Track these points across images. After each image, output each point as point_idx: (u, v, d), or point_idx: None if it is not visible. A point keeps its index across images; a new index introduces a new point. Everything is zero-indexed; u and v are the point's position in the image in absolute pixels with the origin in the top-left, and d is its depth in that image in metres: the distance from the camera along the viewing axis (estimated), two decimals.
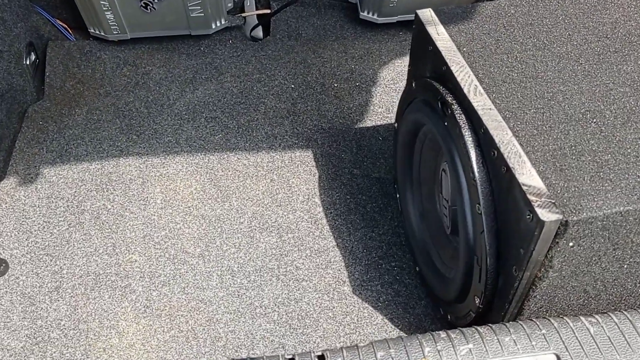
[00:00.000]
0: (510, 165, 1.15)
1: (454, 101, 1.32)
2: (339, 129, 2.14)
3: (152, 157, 2.04)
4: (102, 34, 2.36)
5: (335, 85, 2.29)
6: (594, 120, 1.24)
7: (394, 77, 2.33)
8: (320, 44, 2.44)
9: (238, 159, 2.04)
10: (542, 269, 1.17)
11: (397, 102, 2.24)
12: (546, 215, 1.06)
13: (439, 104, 1.36)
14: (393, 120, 2.17)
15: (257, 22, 2.50)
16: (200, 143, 2.09)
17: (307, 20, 2.53)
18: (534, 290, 1.22)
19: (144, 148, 2.07)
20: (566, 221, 1.07)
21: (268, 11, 2.47)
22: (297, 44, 2.44)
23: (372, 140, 2.11)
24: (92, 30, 2.37)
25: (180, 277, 1.75)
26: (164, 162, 2.03)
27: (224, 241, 1.83)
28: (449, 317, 1.55)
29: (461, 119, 1.29)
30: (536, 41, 1.42)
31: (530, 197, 1.09)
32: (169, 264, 1.77)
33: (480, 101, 1.27)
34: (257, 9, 2.48)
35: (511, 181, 1.15)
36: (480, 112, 1.25)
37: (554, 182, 1.13)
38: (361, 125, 2.16)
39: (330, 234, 1.85)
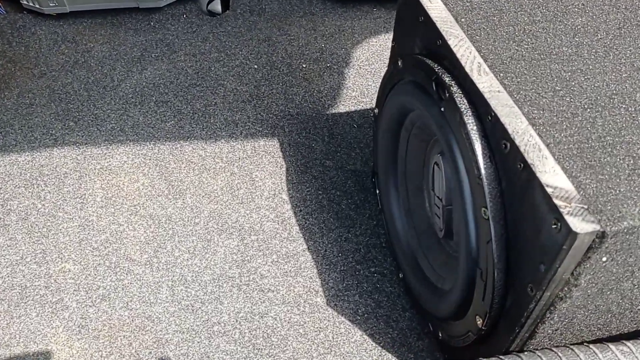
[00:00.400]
0: (529, 160, 0.92)
1: (452, 82, 1.09)
2: (309, 115, 1.89)
3: (91, 147, 1.77)
4: (37, 6, 2.12)
5: (304, 66, 2.04)
6: (623, 104, 1.02)
7: (368, 57, 2.09)
8: (287, 20, 2.19)
9: (193, 149, 1.78)
10: (566, 288, 0.95)
11: (373, 85, 2.02)
12: (579, 225, 0.84)
13: (434, 85, 1.13)
14: (369, 106, 1.94)
15: None
16: (149, 131, 1.82)
17: None
18: (552, 311, 1.00)
19: (83, 137, 1.79)
20: (603, 232, 0.85)
21: None
22: (261, 19, 2.19)
23: (346, 128, 1.87)
24: (26, 2, 2.14)
25: (122, 289, 1.48)
26: (105, 153, 1.75)
27: (175, 245, 1.57)
28: (440, 335, 1.33)
29: (462, 103, 1.05)
30: (546, 11, 1.20)
31: (557, 202, 0.87)
32: (109, 273, 1.51)
33: (486, 82, 1.04)
34: None
35: (530, 181, 0.92)
36: (487, 95, 1.02)
37: (583, 182, 0.90)
38: (333, 111, 1.92)
39: (300, 235, 1.61)
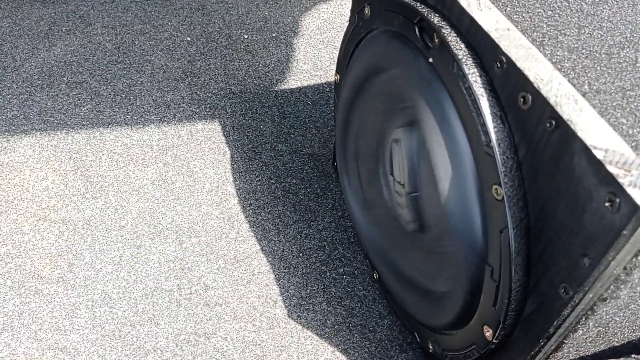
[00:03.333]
0: (564, 116, 0.67)
1: (443, 23, 0.83)
2: (254, 93, 1.61)
3: None
4: None
5: (246, 37, 1.76)
6: None
7: (319, 25, 1.82)
8: None
9: (115, 137, 1.47)
10: (613, 286, 0.71)
11: (327, 55, 1.75)
12: None
13: (417, 31, 0.87)
14: (324, 79, 1.69)
15: None
16: (60, 118, 1.50)
17: None
18: (588, 317, 0.76)
19: None
20: None
21: None
22: None
23: (299, 106, 1.60)
24: None
25: (29, 315, 1.17)
26: (5, 147, 1.43)
27: (96, 256, 1.26)
28: (430, 347, 1.08)
29: (459, 48, 0.80)
30: None
31: (613, 170, 0.62)
32: (11, 296, 1.19)
33: (490, 18, 0.79)
34: None
35: (566, 144, 0.67)
36: (493, 35, 0.76)
37: None
38: (283, 87, 1.64)
39: (251, 234, 1.33)
